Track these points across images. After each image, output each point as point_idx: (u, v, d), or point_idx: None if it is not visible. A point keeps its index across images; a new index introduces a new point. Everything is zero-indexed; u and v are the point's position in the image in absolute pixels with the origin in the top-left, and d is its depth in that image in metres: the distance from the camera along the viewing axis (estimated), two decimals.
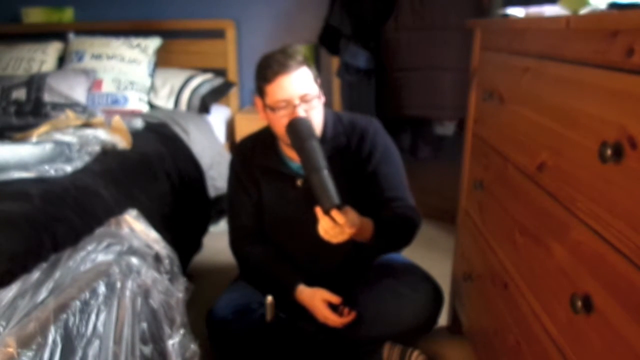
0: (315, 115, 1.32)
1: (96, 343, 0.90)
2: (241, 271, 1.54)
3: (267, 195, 1.45)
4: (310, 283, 1.40)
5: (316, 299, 1.35)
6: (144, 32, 2.69)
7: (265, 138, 1.46)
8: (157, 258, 1.14)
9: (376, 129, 1.45)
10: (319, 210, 1.16)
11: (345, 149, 1.41)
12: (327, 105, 1.46)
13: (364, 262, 1.50)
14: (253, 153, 1.47)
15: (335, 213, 1.15)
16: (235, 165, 1.50)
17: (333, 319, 1.32)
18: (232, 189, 1.51)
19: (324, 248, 1.42)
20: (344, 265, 1.48)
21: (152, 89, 2.57)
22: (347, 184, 1.28)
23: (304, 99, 1.29)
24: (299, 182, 1.40)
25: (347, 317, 1.32)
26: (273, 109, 1.30)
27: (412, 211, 1.41)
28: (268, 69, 1.29)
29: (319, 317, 1.34)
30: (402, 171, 1.46)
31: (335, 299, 1.35)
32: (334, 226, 1.15)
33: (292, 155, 1.41)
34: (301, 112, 1.28)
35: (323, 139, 1.36)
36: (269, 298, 1.35)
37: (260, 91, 1.34)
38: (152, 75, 2.56)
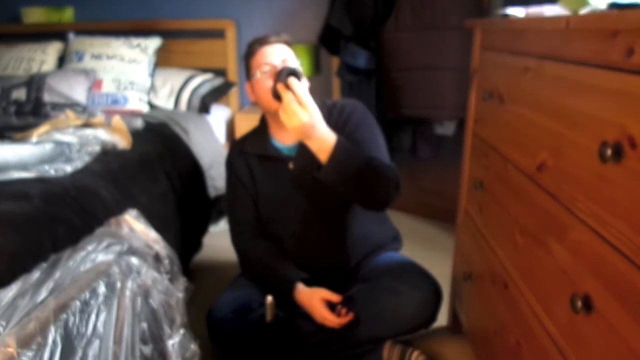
0: None
1: (96, 343, 0.90)
2: (242, 267, 1.55)
3: (260, 182, 1.48)
4: (309, 281, 1.40)
5: (314, 299, 1.35)
6: (144, 32, 2.69)
7: (256, 129, 1.53)
8: (157, 258, 1.14)
9: (355, 105, 1.47)
10: (280, 87, 1.23)
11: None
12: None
13: (354, 255, 1.50)
14: (245, 144, 1.52)
15: (293, 80, 1.22)
16: (230, 159, 1.55)
17: (330, 319, 1.32)
18: (229, 184, 1.55)
19: (315, 234, 1.42)
20: (336, 258, 1.48)
21: (152, 89, 2.57)
22: None
23: (284, 63, 1.36)
24: (290, 165, 1.43)
25: (345, 318, 1.32)
26: (256, 75, 1.37)
27: (388, 167, 1.33)
28: (253, 44, 1.41)
29: (316, 317, 1.34)
30: (381, 141, 1.43)
31: (334, 297, 1.35)
32: (292, 100, 1.20)
33: (282, 139, 1.46)
34: None
35: None
36: (269, 298, 1.35)
37: (248, 70, 1.43)
38: (152, 75, 2.56)
